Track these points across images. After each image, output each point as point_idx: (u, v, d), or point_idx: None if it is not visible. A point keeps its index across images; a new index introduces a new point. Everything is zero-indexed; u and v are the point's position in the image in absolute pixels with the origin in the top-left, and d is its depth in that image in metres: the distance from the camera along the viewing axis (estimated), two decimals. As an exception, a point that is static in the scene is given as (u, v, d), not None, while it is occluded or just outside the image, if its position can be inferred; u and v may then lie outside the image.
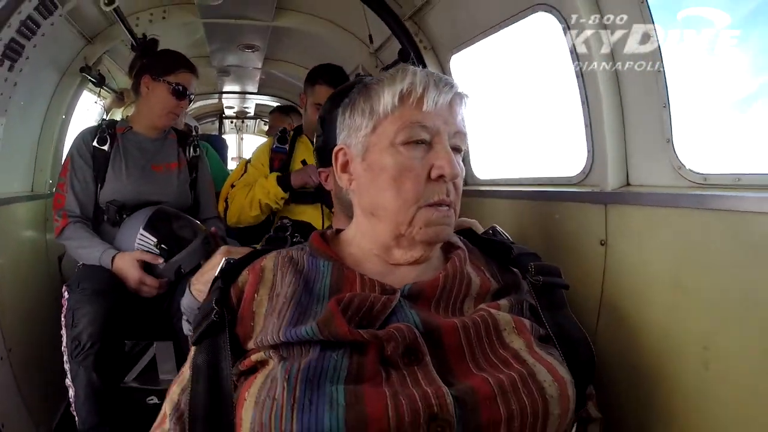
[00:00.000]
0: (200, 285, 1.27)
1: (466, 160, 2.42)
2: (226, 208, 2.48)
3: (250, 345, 0.96)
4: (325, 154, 1.54)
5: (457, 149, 1.06)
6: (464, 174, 1.10)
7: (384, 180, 1.04)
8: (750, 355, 1.04)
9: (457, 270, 1.05)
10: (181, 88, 2.30)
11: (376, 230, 1.09)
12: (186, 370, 0.99)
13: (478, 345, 0.92)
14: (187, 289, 1.32)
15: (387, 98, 1.05)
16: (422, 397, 0.80)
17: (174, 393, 0.98)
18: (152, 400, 2.30)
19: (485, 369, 0.88)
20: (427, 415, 0.78)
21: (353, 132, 1.10)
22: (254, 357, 0.93)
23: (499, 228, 1.30)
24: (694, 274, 1.17)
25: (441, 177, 1.01)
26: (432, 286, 1.01)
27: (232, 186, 2.50)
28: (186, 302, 1.32)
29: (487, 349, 0.92)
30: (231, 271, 1.09)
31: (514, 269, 1.15)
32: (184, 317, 1.34)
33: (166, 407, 0.98)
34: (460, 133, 1.06)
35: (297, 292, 1.01)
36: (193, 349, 1.00)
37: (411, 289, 1.00)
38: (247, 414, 0.84)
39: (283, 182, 2.32)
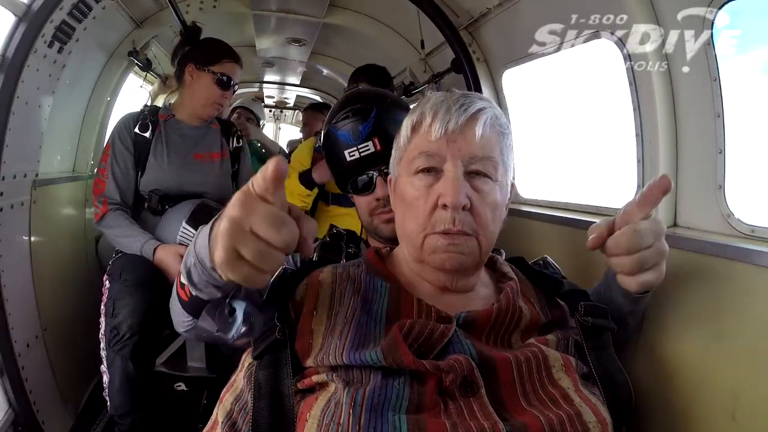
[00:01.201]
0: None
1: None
2: None
3: (309, 363, 0.99)
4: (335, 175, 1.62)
5: (477, 173, 1.08)
6: (504, 194, 1.14)
7: (404, 207, 1.14)
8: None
9: (510, 302, 1.09)
10: (225, 78, 2.34)
11: (405, 252, 1.18)
12: (240, 380, 1.05)
13: (529, 381, 0.97)
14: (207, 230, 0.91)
15: (404, 130, 1.16)
16: (480, 431, 0.85)
17: (227, 402, 1.04)
18: (180, 386, 2.38)
19: (535, 405, 0.94)
20: None
21: (392, 161, 1.23)
22: (315, 378, 0.96)
23: (550, 260, 1.35)
24: (732, 324, 1.21)
25: (446, 206, 1.05)
26: (485, 317, 1.05)
27: None
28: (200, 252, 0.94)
29: (537, 385, 0.97)
30: (288, 283, 1.14)
31: (562, 303, 1.20)
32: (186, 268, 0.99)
33: (218, 415, 1.04)
34: (480, 158, 1.07)
35: (357, 313, 1.05)
36: (251, 361, 1.03)
37: (465, 317, 1.04)
38: None
39: (306, 179, 2.33)
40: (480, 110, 1.09)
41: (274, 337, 1.00)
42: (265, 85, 5.73)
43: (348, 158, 1.49)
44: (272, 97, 6.73)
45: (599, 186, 2.01)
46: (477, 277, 1.17)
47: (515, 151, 2.42)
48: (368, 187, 1.50)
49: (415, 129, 1.13)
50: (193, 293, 0.98)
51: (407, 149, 1.15)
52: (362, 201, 1.54)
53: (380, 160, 1.45)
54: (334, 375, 0.95)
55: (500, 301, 1.09)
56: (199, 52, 2.39)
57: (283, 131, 8.77)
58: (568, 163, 2.33)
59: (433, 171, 1.09)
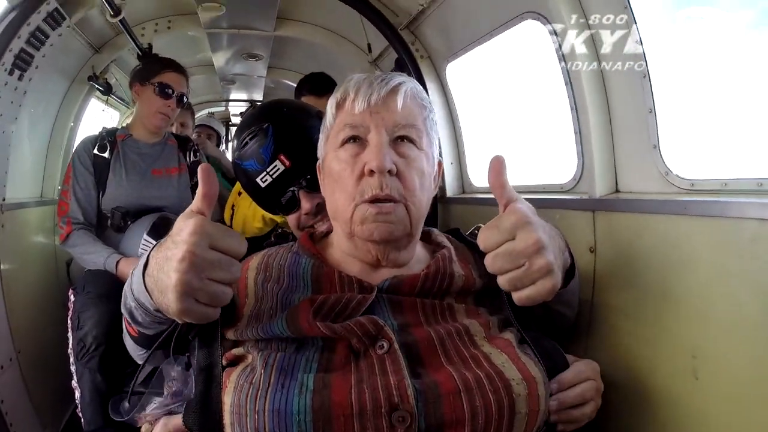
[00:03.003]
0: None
1: (462, 168, 2.40)
2: (232, 216, 2.43)
3: (230, 335, 0.98)
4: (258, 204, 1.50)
5: (404, 138, 1.04)
6: (430, 166, 1.08)
7: (332, 182, 1.07)
8: (738, 363, 1.01)
9: (440, 268, 1.04)
10: (165, 88, 2.29)
11: (338, 232, 1.11)
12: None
13: (453, 346, 0.93)
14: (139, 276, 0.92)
15: (329, 110, 1.11)
16: (384, 387, 0.82)
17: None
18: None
19: (455, 363, 0.89)
20: (388, 405, 0.81)
21: (319, 147, 1.17)
22: (235, 351, 0.96)
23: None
24: (681, 280, 1.14)
25: (372, 172, 0.99)
26: (411, 282, 1.01)
27: (239, 194, 2.45)
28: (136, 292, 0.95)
29: (461, 346, 0.93)
30: None
31: None
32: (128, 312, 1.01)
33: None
34: (404, 125, 1.03)
35: (280, 291, 1.02)
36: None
37: (390, 283, 1.00)
38: (227, 398, 0.88)
39: None
40: (400, 83, 1.05)
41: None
42: (230, 103, 5.62)
43: (263, 185, 1.38)
44: (238, 116, 6.63)
45: (550, 163, 1.93)
46: (410, 252, 1.10)
47: (465, 142, 2.38)
48: (294, 205, 1.40)
49: (339, 106, 1.09)
50: (141, 331, 1.02)
51: (333, 127, 1.09)
52: (291, 219, 1.45)
53: (294, 174, 1.36)
54: (250, 347, 0.95)
55: (429, 267, 1.04)
56: (142, 69, 2.37)
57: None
58: (519, 146, 2.25)
59: (358, 140, 1.04)
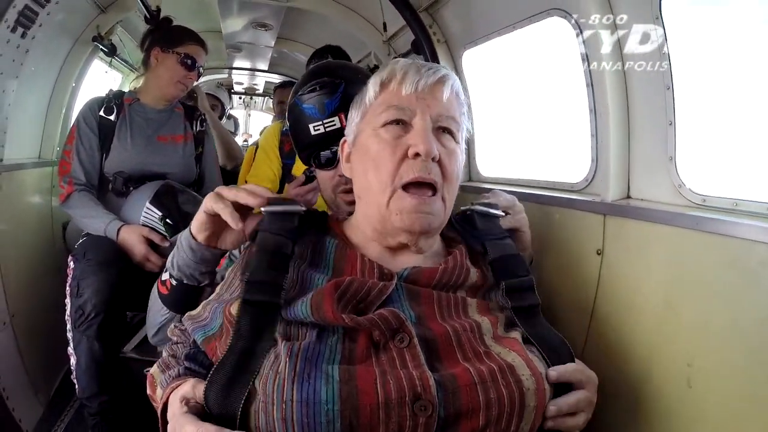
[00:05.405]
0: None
1: (470, 156, 2.43)
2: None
3: None
4: (298, 147, 1.57)
5: (445, 130, 1.09)
6: (461, 161, 1.12)
7: (366, 162, 1.11)
8: (732, 377, 1.07)
9: (457, 264, 1.08)
10: (189, 60, 2.34)
11: (366, 214, 1.14)
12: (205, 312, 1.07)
13: (466, 340, 0.97)
14: (184, 243, 1.16)
15: (371, 88, 1.15)
16: (408, 379, 0.86)
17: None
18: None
19: (470, 360, 0.93)
20: (411, 394, 0.84)
21: (350, 123, 1.21)
22: None
23: (479, 207, 1.25)
24: (684, 292, 1.20)
25: (417, 155, 1.04)
26: (429, 275, 1.05)
27: (246, 181, 2.46)
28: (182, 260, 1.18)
29: (474, 343, 0.97)
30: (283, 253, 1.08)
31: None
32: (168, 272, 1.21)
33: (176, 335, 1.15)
34: (447, 117, 1.09)
35: (302, 267, 1.06)
36: (236, 305, 0.99)
37: (409, 273, 1.05)
38: (253, 386, 0.90)
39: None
40: (447, 75, 1.11)
41: (276, 301, 0.99)
42: (234, 71, 5.60)
43: (313, 132, 1.45)
44: (241, 84, 6.59)
45: (559, 161, 1.97)
46: (435, 239, 1.16)
47: (476, 131, 2.40)
48: (331, 163, 1.47)
49: (383, 86, 1.13)
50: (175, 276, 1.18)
51: (373, 105, 1.13)
52: (325, 176, 1.52)
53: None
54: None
55: (447, 262, 1.08)
56: (165, 36, 2.38)
57: (253, 118, 8.64)
58: (529, 141, 2.28)
59: (401, 123, 1.08)
